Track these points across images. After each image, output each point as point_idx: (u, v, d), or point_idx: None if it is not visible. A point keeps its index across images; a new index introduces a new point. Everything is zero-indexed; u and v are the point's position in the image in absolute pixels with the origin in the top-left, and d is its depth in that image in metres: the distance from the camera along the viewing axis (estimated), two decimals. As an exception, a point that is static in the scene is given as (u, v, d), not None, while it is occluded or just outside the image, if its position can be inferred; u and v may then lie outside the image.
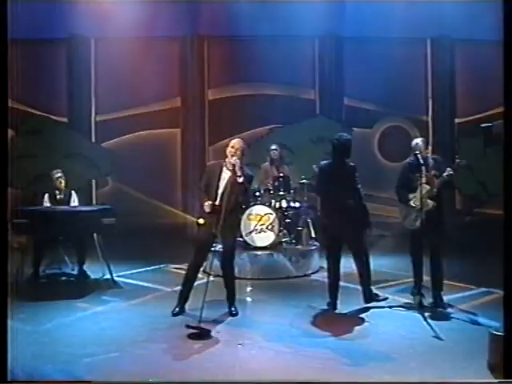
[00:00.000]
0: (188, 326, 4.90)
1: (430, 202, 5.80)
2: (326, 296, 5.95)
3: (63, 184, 7.63)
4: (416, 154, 5.89)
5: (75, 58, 11.20)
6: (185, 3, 10.84)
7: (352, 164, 5.85)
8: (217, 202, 5.38)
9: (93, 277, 7.31)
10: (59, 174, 7.63)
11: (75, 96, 11.26)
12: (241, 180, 5.29)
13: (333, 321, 5.46)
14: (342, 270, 5.93)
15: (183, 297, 5.57)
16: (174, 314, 5.49)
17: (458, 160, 5.89)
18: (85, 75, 11.30)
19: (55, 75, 11.11)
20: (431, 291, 5.92)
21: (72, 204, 7.55)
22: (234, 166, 5.30)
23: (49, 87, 11.04)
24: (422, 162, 5.83)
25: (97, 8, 10.36)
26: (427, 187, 5.81)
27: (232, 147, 5.41)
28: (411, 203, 5.92)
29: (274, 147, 8.55)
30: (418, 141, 6.07)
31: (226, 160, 5.47)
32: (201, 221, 5.67)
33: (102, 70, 11.28)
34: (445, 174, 5.80)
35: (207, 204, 5.36)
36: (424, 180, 5.80)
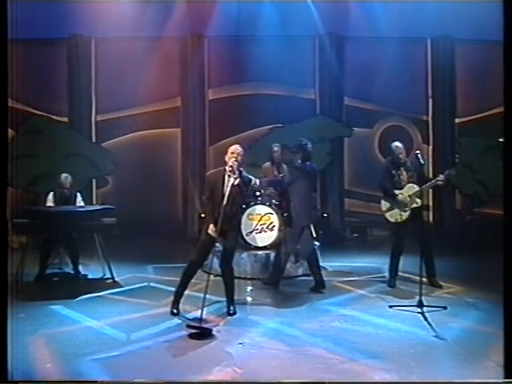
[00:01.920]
0: (189, 326, 4.91)
1: (418, 200, 6.43)
2: (326, 295, 5.97)
3: (69, 185, 7.63)
4: (417, 154, 6.27)
5: (76, 57, 11.18)
6: (185, 3, 10.84)
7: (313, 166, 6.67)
8: (221, 209, 5.37)
9: (93, 276, 7.31)
10: (69, 179, 7.63)
11: (75, 96, 11.24)
12: (236, 182, 5.39)
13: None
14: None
15: (178, 294, 5.60)
16: (174, 314, 5.51)
17: (448, 171, 6.49)
18: (85, 75, 11.28)
19: (55, 75, 11.10)
20: (426, 279, 6.54)
21: (77, 205, 7.55)
22: (231, 167, 5.39)
23: (49, 87, 11.03)
24: (422, 162, 6.24)
25: (97, 8, 10.35)
26: (416, 187, 6.41)
27: (232, 153, 5.50)
28: (398, 199, 6.53)
29: (275, 149, 8.43)
30: (397, 143, 6.71)
31: (227, 167, 5.50)
32: (203, 215, 5.89)
33: (103, 69, 11.27)
34: (438, 179, 6.37)
35: (212, 230, 5.39)
36: (405, 177, 6.51)
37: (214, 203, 5.48)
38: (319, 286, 6.60)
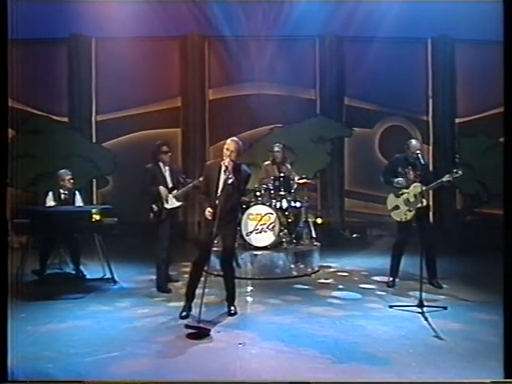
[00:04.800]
0: (187, 326, 4.90)
1: (423, 200, 6.39)
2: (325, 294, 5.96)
3: (70, 184, 7.61)
4: (417, 154, 6.30)
5: (76, 57, 11.21)
6: (185, 3, 10.84)
7: None
8: (217, 202, 5.39)
9: (93, 276, 7.31)
10: (69, 176, 7.60)
11: (76, 96, 11.27)
12: (230, 181, 5.32)
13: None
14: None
15: (189, 297, 5.50)
16: (183, 317, 5.37)
17: (460, 172, 6.25)
18: (85, 75, 11.30)
19: (56, 75, 11.11)
20: (428, 279, 6.61)
21: (76, 204, 7.55)
22: (226, 167, 5.34)
23: (49, 87, 11.04)
24: (422, 162, 6.30)
25: (97, 8, 10.35)
26: (422, 187, 6.35)
27: (227, 149, 5.43)
28: (403, 198, 6.53)
29: (276, 149, 8.44)
30: (415, 141, 6.67)
31: (222, 165, 5.44)
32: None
33: (103, 69, 11.28)
34: (444, 179, 6.26)
35: (209, 212, 5.37)
36: (412, 176, 6.49)
37: (209, 191, 5.46)
38: None
